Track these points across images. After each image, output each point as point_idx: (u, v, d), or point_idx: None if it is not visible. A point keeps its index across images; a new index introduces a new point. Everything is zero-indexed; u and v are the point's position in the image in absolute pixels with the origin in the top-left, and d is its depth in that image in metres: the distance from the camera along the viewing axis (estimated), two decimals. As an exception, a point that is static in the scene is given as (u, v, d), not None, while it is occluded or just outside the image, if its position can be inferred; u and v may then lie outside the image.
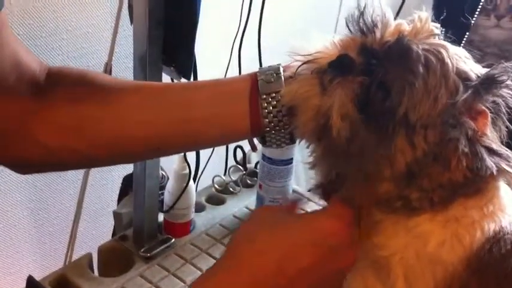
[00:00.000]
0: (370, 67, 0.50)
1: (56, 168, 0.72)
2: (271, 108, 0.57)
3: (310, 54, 0.54)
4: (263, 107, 0.57)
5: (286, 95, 0.55)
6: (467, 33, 0.88)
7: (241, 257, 0.52)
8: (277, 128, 0.58)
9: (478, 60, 0.53)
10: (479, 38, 1.10)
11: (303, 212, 0.60)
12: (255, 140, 0.63)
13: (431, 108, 0.48)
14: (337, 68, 0.51)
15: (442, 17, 0.54)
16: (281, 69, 0.58)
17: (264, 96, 0.57)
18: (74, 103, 0.59)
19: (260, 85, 0.57)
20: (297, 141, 0.60)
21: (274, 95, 0.57)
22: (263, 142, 0.61)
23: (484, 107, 0.51)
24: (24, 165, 0.63)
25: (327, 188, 0.56)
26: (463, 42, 0.86)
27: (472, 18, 0.87)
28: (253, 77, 0.59)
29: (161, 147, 0.62)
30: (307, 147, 0.57)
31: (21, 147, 0.59)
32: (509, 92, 0.51)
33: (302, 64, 0.54)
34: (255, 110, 0.57)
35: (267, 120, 0.57)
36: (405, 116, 0.48)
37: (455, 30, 0.54)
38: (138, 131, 0.60)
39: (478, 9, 0.91)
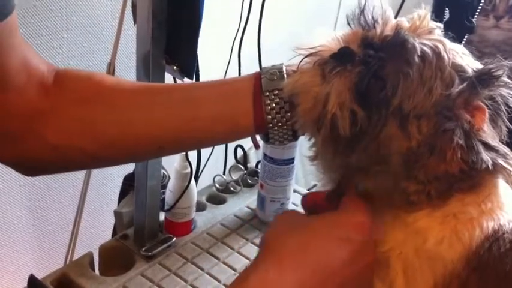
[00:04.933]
0: (369, 58, 0.50)
1: (62, 169, 0.72)
2: (274, 105, 0.58)
3: (313, 48, 0.55)
4: (266, 104, 0.58)
5: (287, 86, 0.56)
6: (467, 35, 0.90)
7: (280, 256, 0.51)
8: (280, 124, 0.58)
9: (476, 60, 0.53)
10: (478, 39, 1.11)
11: None
12: (258, 138, 0.64)
13: (426, 99, 0.49)
14: (338, 59, 0.52)
15: (444, 19, 0.54)
16: (284, 68, 0.59)
17: (267, 94, 0.58)
18: (81, 104, 0.60)
19: (263, 83, 0.58)
20: (299, 139, 0.61)
21: (277, 92, 0.58)
22: (266, 139, 0.61)
23: (481, 103, 0.51)
24: (32, 165, 0.63)
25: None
26: (463, 42, 0.87)
27: (472, 20, 0.89)
28: (257, 75, 0.60)
29: (166, 146, 0.63)
30: (308, 139, 0.57)
31: (29, 147, 0.60)
32: (509, 91, 0.51)
33: (305, 57, 0.55)
34: (258, 107, 0.58)
35: (269, 116, 0.58)
36: (399, 106, 0.49)
37: (456, 32, 0.55)
38: (144, 130, 0.61)
39: (478, 10, 0.92)
